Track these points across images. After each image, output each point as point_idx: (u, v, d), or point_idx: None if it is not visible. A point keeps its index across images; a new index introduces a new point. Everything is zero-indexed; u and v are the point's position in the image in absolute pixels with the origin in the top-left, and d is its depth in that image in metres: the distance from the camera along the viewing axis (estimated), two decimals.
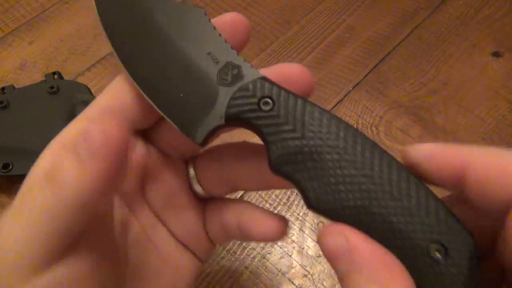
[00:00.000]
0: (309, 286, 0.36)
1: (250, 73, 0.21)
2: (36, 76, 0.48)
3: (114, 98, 0.23)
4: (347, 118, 0.45)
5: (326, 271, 0.36)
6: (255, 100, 0.20)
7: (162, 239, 0.26)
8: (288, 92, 0.20)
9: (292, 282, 0.36)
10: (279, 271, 0.36)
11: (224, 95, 0.21)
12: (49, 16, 0.53)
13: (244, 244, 0.37)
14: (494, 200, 0.17)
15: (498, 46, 0.50)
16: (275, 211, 0.39)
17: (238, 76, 0.21)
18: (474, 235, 0.18)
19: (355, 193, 0.19)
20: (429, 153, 0.19)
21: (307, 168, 0.19)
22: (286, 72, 0.22)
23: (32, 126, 0.37)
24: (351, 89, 0.47)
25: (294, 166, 0.20)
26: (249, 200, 0.40)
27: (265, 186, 0.25)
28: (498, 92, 0.46)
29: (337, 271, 0.19)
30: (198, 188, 0.26)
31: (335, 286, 0.36)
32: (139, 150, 0.24)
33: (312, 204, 0.19)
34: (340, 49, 0.50)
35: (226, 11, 0.53)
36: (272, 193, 0.40)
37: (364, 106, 0.46)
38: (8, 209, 0.19)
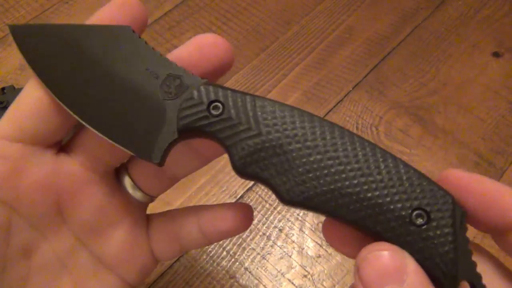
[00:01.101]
0: (309, 286, 0.36)
1: (192, 81, 0.20)
2: None
3: (22, 111, 0.21)
4: (347, 118, 0.45)
5: (326, 271, 0.36)
6: (203, 107, 0.20)
7: (80, 264, 0.24)
8: (235, 91, 0.20)
9: (292, 283, 0.36)
10: (279, 271, 0.36)
11: (172, 108, 0.20)
12: (49, 16, 0.53)
13: (243, 244, 0.37)
14: None
15: (498, 46, 0.50)
16: (275, 212, 0.39)
17: (182, 86, 0.20)
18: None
19: (325, 178, 0.18)
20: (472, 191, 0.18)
21: (273, 164, 0.19)
22: (200, 43, 0.22)
23: None
24: (351, 89, 0.47)
25: (259, 165, 0.19)
26: (248, 200, 0.40)
27: (200, 164, 0.25)
28: (498, 93, 0.46)
29: None
30: (137, 194, 0.25)
31: (334, 286, 0.36)
32: (48, 167, 0.22)
33: (286, 199, 0.19)
34: (340, 49, 0.50)
35: (226, 11, 0.53)
36: (272, 193, 0.40)
37: (364, 106, 0.46)
38: None
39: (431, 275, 0.18)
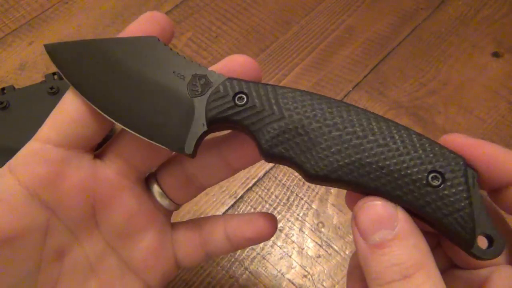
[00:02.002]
0: (309, 286, 0.36)
1: (216, 78, 0.22)
2: (36, 77, 0.48)
3: (64, 117, 0.23)
4: None
5: (325, 271, 0.36)
6: (229, 98, 0.22)
7: (108, 268, 0.25)
8: (256, 83, 0.22)
9: (292, 283, 0.36)
10: (279, 271, 0.36)
11: (200, 104, 0.22)
12: (49, 17, 0.53)
13: None
14: None
15: (498, 46, 0.50)
16: (275, 212, 0.39)
17: (207, 84, 0.22)
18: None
19: (346, 151, 0.20)
20: (481, 155, 0.20)
21: (296, 144, 0.21)
22: (232, 64, 0.23)
23: (32, 127, 0.37)
24: (351, 89, 0.47)
25: (284, 146, 0.21)
26: (248, 200, 0.40)
27: (228, 174, 0.26)
28: (497, 93, 0.46)
29: (373, 241, 0.19)
30: (165, 202, 0.26)
31: (334, 286, 0.36)
32: (86, 172, 0.24)
33: (312, 173, 0.21)
34: (339, 49, 0.50)
35: (226, 11, 0.53)
36: (272, 193, 0.40)
37: (364, 106, 0.46)
38: None
39: (451, 230, 0.19)
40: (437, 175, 0.20)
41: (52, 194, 0.23)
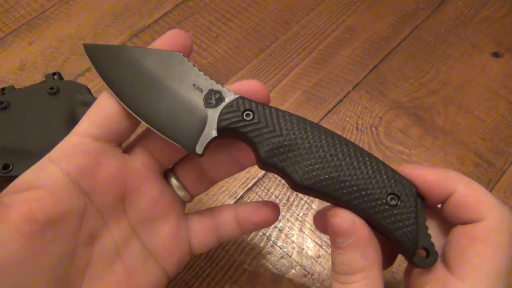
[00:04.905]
0: (309, 286, 0.36)
1: (229, 95, 0.26)
2: (36, 77, 0.48)
3: (101, 114, 0.27)
4: (347, 118, 0.45)
5: (325, 271, 0.36)
6: (239, 113, 0.26)
7: (132, 253, 0.28)
8: (262, 104, 0.26)
9: (292, 283, 0.36)
10: (279, 271, 0.36)
11: (212, 114, 0.26)
12: (49, 17, 0.54)
13: (243, 244, 0.37)
14: (463, 219, 0.24)
15: (497, 46, 0.50)
16: None
17: (220, 99, 0.26)
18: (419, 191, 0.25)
19: (327, 168, 0.25)
20: (427, 180, 0.25)
21: (289, 157, 0.25)
22: (247, 87, 0.27)
23: (32, 127, 0.37)
24: (351, 89, 0.47)
25: (278, 158, 0.26)
26: (249, 201, 0.40)
27: (237, 170, 0.30)
28: (497, 93, 0.46)
29: (335, 242, 0.25)
30: (181, 193, 0.30)
31: None
32: (118, 163, 0.27)
33: (298, 183, 0.25)
34: (339, 49, 0.50)
35: (226, 11, 0.53)
36: (272, 193, 0.40)
37: (364, 106, 0.46)
38: None
39: (400, 241, 0.24)
40: (395, 196, 0.24)
41: (90, 182, 0.26)
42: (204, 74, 0.27)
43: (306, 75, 0.48)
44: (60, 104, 0.39)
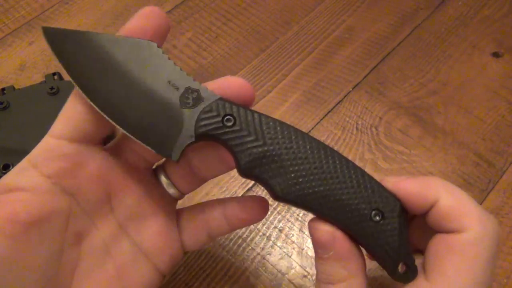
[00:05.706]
0: (309, 286, 0.36)
1: (208, 95, 0.24)
2: (36, 77, 0.48)
3: (74, 114, 0.25)
4: (347, 118, 0.45)
5: None
6: (219, 118, 0.24)
7: (122, 251, 0.27)
8: (245, 108, 0.24)
9: (292, 283, 0.36)
10: (279, 271, 0.36)
11: (189, 116, 0.24)
12: (49, 17, 0.54)
13: (243, 244, 0.37)
14: (445, 228, 0.24)
15: (497, 46, 0.50)
16: (275, 212, 0.39)
17: (198, 98, 0.24)
18: (402, 204, 0.24)
19: (311, 182, 0.24)
20: (409, 193, 0.25)
21: (271, 169, 0.24)
22: (228, 84, 0.25)
23: (32, 127, 0.37)
24: (350, 89, 0.47)
25: (260, 168, 0.24)
26: None
27: (226, 169, 0.29)
28: (497, 93, 0.46)
29: (317, 253, 0.25)
30: (171, 190, 0.29)
31: None
32: (100, 162, 0.26)
33: (280, 196, 0.24)
34: (339, 49, 0.50)
35: (226, 11, 0.53)
36: None
37: (363, 106, 0.46)
38: None
39: (381, 256, 0.24)
40: (379, 212, 0.24)
41: (72, 183, 0.25)
42: (181, 70, 0.24)
43: (306, 75, 0.48)
44: (60, 104, 0.39)
